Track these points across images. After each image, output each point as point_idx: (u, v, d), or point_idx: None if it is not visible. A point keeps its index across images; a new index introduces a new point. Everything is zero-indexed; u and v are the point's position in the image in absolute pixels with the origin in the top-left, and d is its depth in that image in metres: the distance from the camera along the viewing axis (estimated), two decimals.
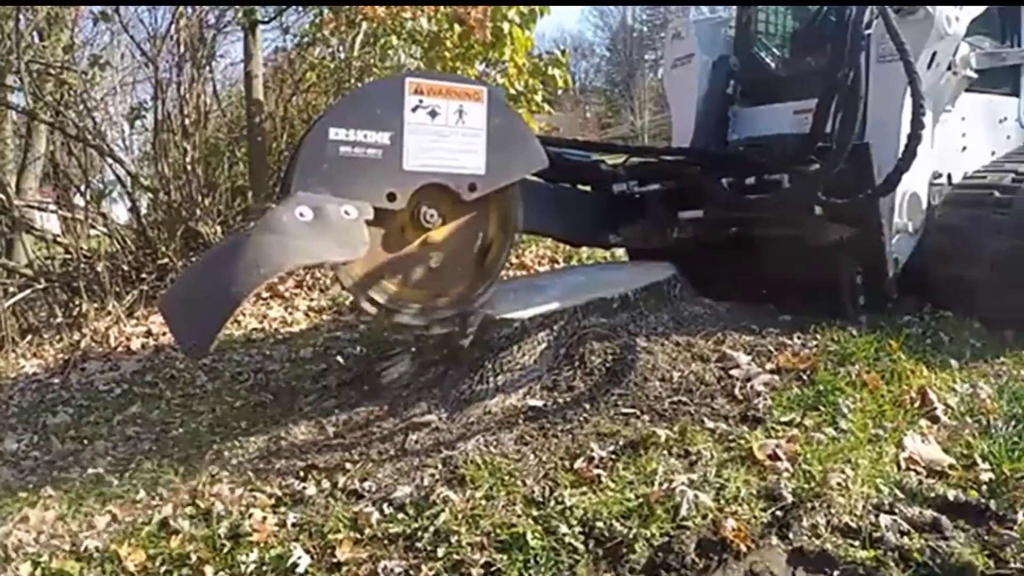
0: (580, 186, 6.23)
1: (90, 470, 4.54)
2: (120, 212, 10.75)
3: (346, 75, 10.94)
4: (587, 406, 4.41)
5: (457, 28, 10.19)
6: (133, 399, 5.84)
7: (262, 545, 3.47)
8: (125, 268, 8.70)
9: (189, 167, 9.44)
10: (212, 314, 3.61)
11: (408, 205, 4.42)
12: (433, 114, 4.37)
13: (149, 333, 7.55)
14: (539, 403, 4.51)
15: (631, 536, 3.21)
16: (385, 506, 3.67)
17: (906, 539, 3.16)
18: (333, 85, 11.23)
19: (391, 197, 4.32)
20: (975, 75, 5.75)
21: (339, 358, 6.07)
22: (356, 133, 4.20)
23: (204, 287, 3.92)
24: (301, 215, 3.91)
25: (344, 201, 4.11)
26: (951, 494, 3.46)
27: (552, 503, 3.49)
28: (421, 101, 4.34)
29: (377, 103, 4.30)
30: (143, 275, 8.70)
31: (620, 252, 7.70)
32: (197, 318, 3.71)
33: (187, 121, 9.77)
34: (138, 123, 10.34)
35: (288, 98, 11.54)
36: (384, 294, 4.48)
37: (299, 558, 3.34)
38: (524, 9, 10.46)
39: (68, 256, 8.86)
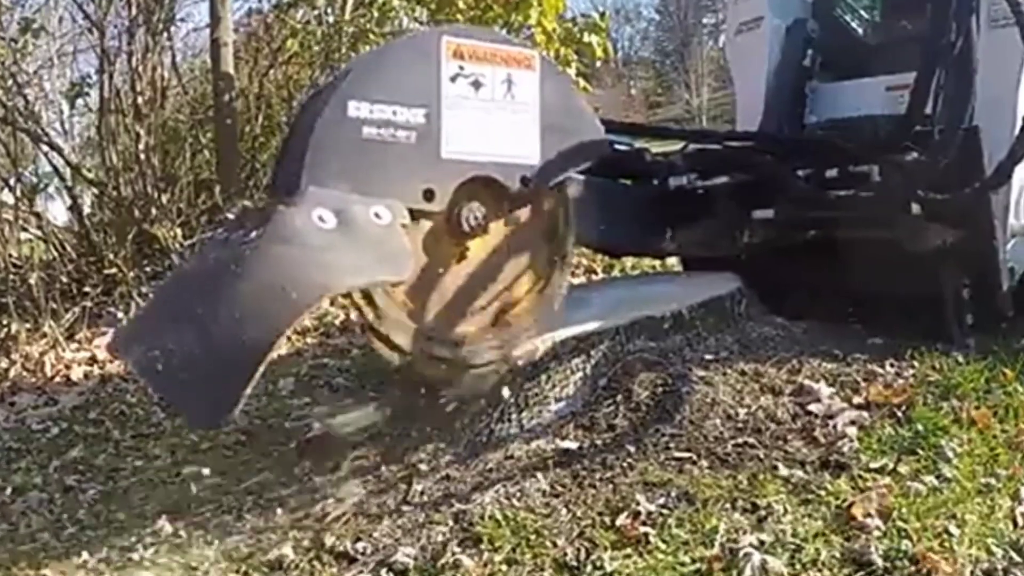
0: (622, 180, 6.01)
1: (22, 528, 4.54)
2: (58, 211, 10.82)
3: (336, 43, 10.91)
4: (632, 449, 4.37)
5: None
6: (74, 441, 5.85)
7: None
8: (64, 280, 8.75)
9: (143, 156, 9.46)
10: (230, 370, 3.11)
11: (448, 205, 4.23)
12: (476, 85, 4.20)
13: (93, 360, 7.57)
14: (573, 445, 4.48)
15: None
16: (384, 572, 3.64)
17: None
18: (320, 55, 11.20)
19: (428, 195, 4.10)
20: None
21: (326, 390, 6.08)
22: (383, 109, 3.90)
23: (200, 328, 3.28)
24: (320, 220, 3.58)
25: (372, 201, 3.81)
26: None
27: (589, 568, 3.47)
28: (462, 68, 4.15)
29: (407, 69, 4.04)
30: (86, 289, 8.73)
31: (671, 260, 7.69)
32: (203, 377, 3.15)
33: (140, 100, 9.78)
34: (80, 102, 10.39)
35: (264, 71, 11.51)
36: (409, 327, 4.26)
37: None
38: None
39: None
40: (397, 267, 3.76)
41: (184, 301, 3.52)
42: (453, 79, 4.11)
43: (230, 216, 8.52)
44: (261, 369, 3.05)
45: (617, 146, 5.67)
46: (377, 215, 3.77)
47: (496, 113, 4.26)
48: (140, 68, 9.81)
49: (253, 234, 3.52)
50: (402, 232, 3.85)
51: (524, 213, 4.60)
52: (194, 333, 3.28)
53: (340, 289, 3.77)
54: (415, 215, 4.04)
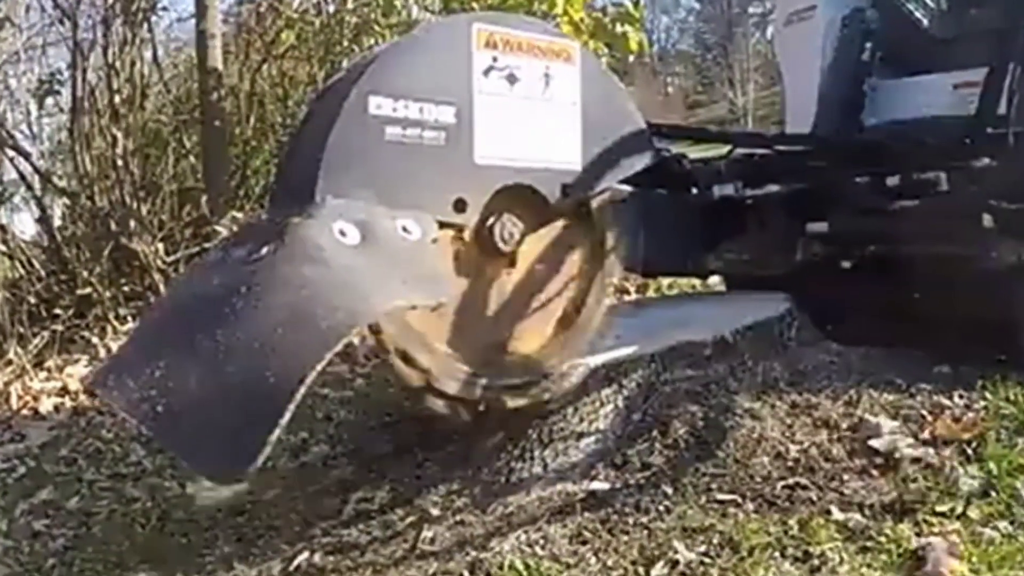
0: (658, 189, 5.90)
1: None
2: (25, 224, 10.84)
3: (337, 35, 10.93)
4: (669, 490, 4.36)
5: None
6: (43, 481, 5.81)
7: None
8: (32, 301, 8.76)
9: (120, 162, 9.45)
10: (252, 416, 2.92)
11: (480, 217, 4.21)
12: (512, 79, 4.17)
13: (64, 391, 7.56)
14: (603, 487, 4.47)
15: None
16: None
17: None
18: (319, 49, 11.22)
19: (459, 205, 4.06)
20: None
21: (326, 424, 6.09)
22: (409, 106, 3.86)
23: (213, 367, 3.11)
24: (342, 235, 3.52)
25: (398, 212, 3.77)
26: None
27: None
28: (495, 60, 4.12)
29: (435, 61, 4.02)
30: (56, 311, 8.74)
31: (713, 281, 7.69)
32: (219, 425, 2.98)
33: (117, 98, 9.77)
34: (49, 101, 10.42)
35: (257, 67, 11.50)
36: (434, 354, 4.15)
37: None
38: None
39: None
40: (434, 289, 3.72)
41: (183, 331, 3.37)
42: (486, 72, 4.09)
43: (220, 229, 8.55)
44: (290, 412, 2.85)
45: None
46: (405, 229, 3.74)
47: (534, 112, 4.24)
48: (117, 63, 9.79)
49: (263, 251, 3.42)
50: (434, 248, 3.85)
51: (565, 225, 4.60)
52: (200, 369, 3.13)
53: (373, 317, 3.66)
54: (444, 228, 4.02)
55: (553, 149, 4.31)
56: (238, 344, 3.09)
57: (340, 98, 3.84)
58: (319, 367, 2.95)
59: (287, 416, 2.84)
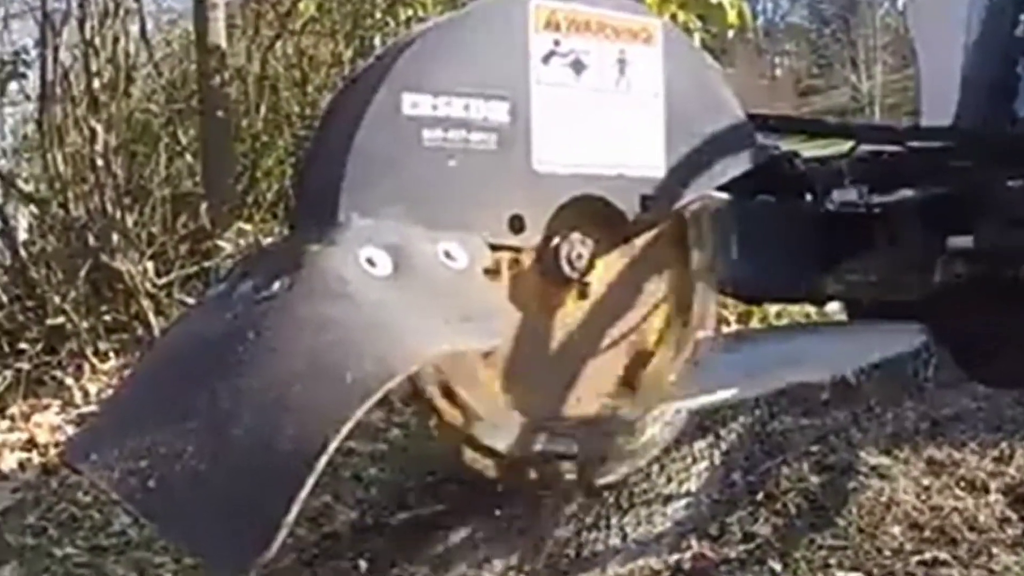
0: (764, 195, 5.85)
1: None
2: None
3: (367, 6, 10.93)
4: (777, 567, 4.33)
5: None
6: (6, 555, 5.82)
7: None
8: None
9: (100, 161, 9.51)
10: (263, 493, 2.72)
11: (542, 237, 4.09)
12: (578, 67, 4.06)
13: (31, 443, 7.61)
14: (696, 563, 4.48)
15: None
16: None
17: None
18: (345, 22, 11.22)
19: (516, 224, 3.91)
20: None
21: (354, 485, 6.10)
22: (451, 103, 3.72)
23: (213, 433, 2.94)
24: (371, 264, 3.36)
25: (440, 235, 3.61)
26: None
27: None
28: (557, 44, 3.99)
29: (483, 47, 3.88)
30: (22, 345, 8.81)
31: (832, 308, 7.69)
32: (222, 506, 2.81)
33: (97, 83, 9.84)
34: (13, 87, 10.51)
35: (269, 44, 11.56)
36: (510, 422, 4.12)
37: None
38: None
39: None
40: (485, 329, 3.58)
41: (178, 387, 3.25)
42: (546, 60, 3.99)
43: (223, 244, 8.59)
44: (310, 485, 2.65)
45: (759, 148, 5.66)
46: (448, 255, 3.60)
47: (606, 107, 4.17)
48: (96, 39, 9.84)
49: (275, 287, 3.31)
50: (484, 278, 3.75)
51: (648, 244, 4.55)
52: (200, 434, 2.96)
53: (409, 367, 3.35)
54: (497, 252, 3.92)
55: (630, 152, 4.25)
56: (245, 402, 2.96)
57: (367, 94, 3.72)
58: (345, 429, 2.79)
59: (306, 490, 2.64)
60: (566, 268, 4.17)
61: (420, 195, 3.67)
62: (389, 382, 3.04)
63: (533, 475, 4.29)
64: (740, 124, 4.67)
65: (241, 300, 3.40)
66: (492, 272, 3.87)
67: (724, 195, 5.16)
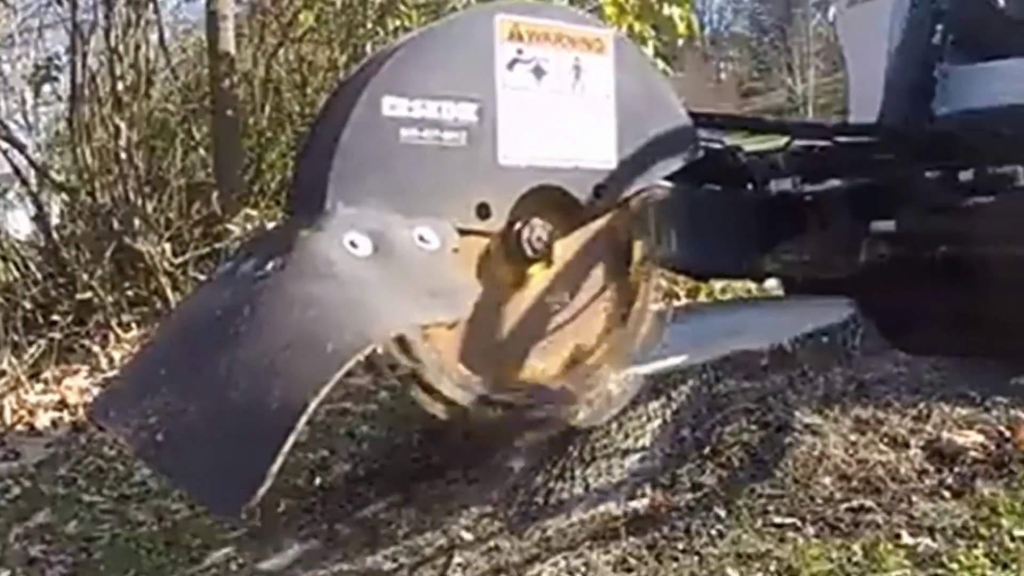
0: (710, 185, 5.90)
1: None
2: (19, 222, 10.88)
3: (360, 16, 10.94)
4: (722, 513, 4.36)
5: None
6: (40, 503, 5.85)
7: None
8: (27, 306, 8.80)
9: (124, 154, 9.50)
10: (252, 445, 2.94)
11: (506, 222, 4.21)
12: (539, 72, 4.16)
13: (63, 404, 7.59)
14: (650, 509, 4.49)
15: None
16: None
17: None
18: (340, 31, 11.23)
19: (483, 211, 4.07)
20: None
21: (348, 441, 6.09)
22: (425, 106, 3.85)
23: (213, 393, 3.19)
24: (353, 246, 3.54)
25: (415, 221, 3.78)
26: None
27: None
28: (520, 52, 4.10)
29: (454, 56, 4.01)
30: (54, 317, 8.79)
31: (770, 284, 7.69)
32: (219, 455, 3.03)
33: (120, 85, 9.83)
34: (46, 88, 10.47)
35: (273, 51, 11.56)
36: (463, 376, 4.20)
37: None
38: None
39: None
40: (454, 304, 3.72)
41: (186, 353, 3.47)
42: (510, 66, 4.08)
43: (232, 228, 8.57)
44: (291, 440, 2.85)
45: (704, 143, 5.66)
46: (422, 238, 3.75)
47: (563, 107, 4.24)
48: (120, 47, 9.84)
49: (269, 267, 3.46)
50: (454, 259, 3.86)
51: (600, 228, 4.61)
52: (202, 395, 3.21)
53: (385, 337, 3.58)
54: (467, 235, 4.02)
55: (585, 147, 4.32)
56: (241, 368, 3.14)
57: (352, 99, 3.87)
58: (323, 392, 2.98)
59: (288, 446, 2.84)
60: (528, 249, 4.25)
61: (398, 186, 3.81)
62: (363, 352, 3.21)
63: (498, 425, 4.38)
64: (683, 124, 4.71)
65: (242, 278, 3.54)
66: (462, 253, 3.95)
67: (672, 184, 5.15)
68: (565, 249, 4.48)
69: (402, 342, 3.90)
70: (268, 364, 3.07)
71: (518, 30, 4.08)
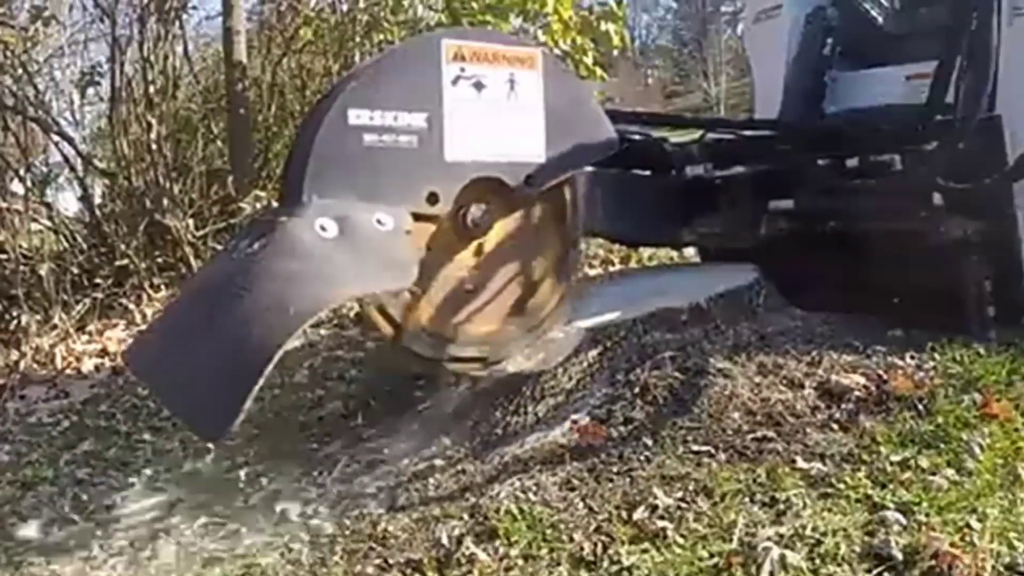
0: (639, 170, 6.06)
1: (32, 522, 4.53)
2: (68, 202, 10.82)
3: (350, 31, 10.92)
4: (649, 442, 4.37)
5: None
6: (84, 434, 5.83)
7: None
8: (74, 271, 8.74)
9: (154, 146, 9.45)
10: (230, 383, 3.22)
11: (453, 207, 4.34)
12: (479, 86, 4.29)
13: (104, 352, 7.57)
14: (591, 438, 4.47)
15: None
16: (398, 567, 3.64)
17: None
18: (334, 44, 11.21)
19: (432, 198, 4.23)
20: None
21: (340, 383, 6.08)
22: (384, 116, 4.05)
23: (204, 342, 3.49)
24: (322, 229, 3.75)
25: (374, 208, 3.97)
26: None
27: (606, 563, 3.46)
28: (463, 70, 4.25)
29: (407, 75, 4.18)
30: (97, 280, 8.74)
31: (689, 252, 7.69)
32: (205, 390, 3.32)
33: (152, 89, 9.78)
34: (91, 91, 10.39)
35: (277, 60, 11.49)
36: (432, 331, 4.42)
37: None
38: None
39: (3, 257, 8.82)
40: (401, 274, 3.89)
41: (195, 313, 3.72)
42: (455, 82, 4.22)
43: (244, 206, 8.56)
44: (260, 381, 3.11)
45: (635, 136, 5.74)
46: (380, 221, 3.95)
47: (499, 114, 4.35)
48: (152, 57, 9.80)
49: (257, 246, 3.67)
50: (406, 238, 4.00)
51: (532, 209, 4.71)
52: (201, 347, 3.46)
53: (338, 300, 4.10)
54: (420, 219, 4.17)
55: (518, 145, 4.43)
56: (231, 324, 3.38)
57: (324, 111, 4.06)
58: (286, 346, 3.23)
59: (258, 384, 3.10)
60: (472, 227, 4.41)
61: (361, 180, 4.00)
62: (318, 313, 3.63)
63: (451, 370, 4.59)
64: (602, 124, 4.78)
65: (239, 254, 3.73)
66: (415, 233, 4.11)
67: (607, 170, 5.35)
68: (505, 226, 4.61)
69: (382, 309, 4.19)
70: (250, 320, 3.32)
71: (461, 52, 4.23)
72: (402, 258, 3.93)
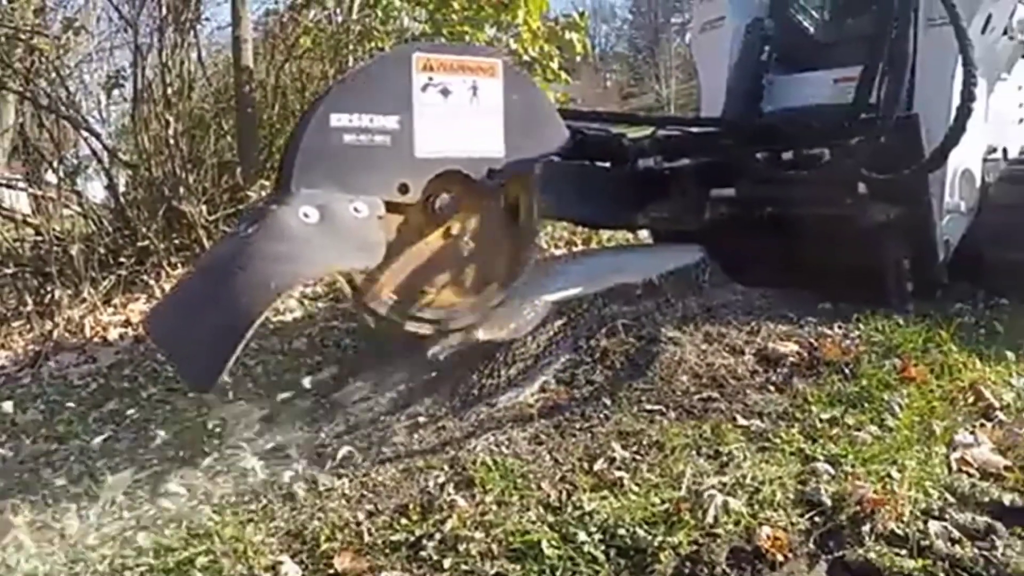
0: (599, 162, 6.05)
1: (63, 473, 4.51)
2: (96, 190, 10.74)
3: (344, 39, 10.90)
4: (608, 402, 4.39)
5: None
6: (110, 395, 5.81)
7: (248, 555, 3.43)
8: (101, 251, 8.67)
9: (172, 141, 9.39)
10: (219, 343, 3.41)
11: (422, 197, 4.36)
12: (445, 93, 4.33)
13: (127, 322, 7.55)
14: (557, 398, 4.51)
15: (656, 544, 3.18)
16: (387, 511, 3.63)
17: (957, 547, 3.11)
18: (330, 51, 11.18)
19: (403, 189, 4.29)
20: None
21: (335, 349, 6.07)
22: (361, 118, 4.13)
23: (204, 310, 3.68)
24: (305, 216, 3.85)
25: (352, 197, 4.06)
26: (1007, 498, 3.43)
27: (570, 508, 3.46)
28: (431, 79, 4.30)
29: (382, 83, 4.24)
30: (121, 259, 8.70)
31: (643, 234, 7.69)
32: (200, 349, 3.52)
33: (169, 90, 9.74)
34: (116, 92, 10.35)
35: (280, 65, 11.45)
36: (387, 300, 4.45)
37: (289, 570, 3.29)
38: None
39: (39, 238, 8.79)
40: (370, 254, 3.99)
41: (200, 287, 3.90)
42: (424, 89, 4.29)
43: (251, 194, 8.55)
44: (242, 345, 3.31)
45: (596, 133, 5.74)
46: (356, 209, 4.04)
47: (463, 116, 4.40)
48: (169, 62, 9.76)
49: (251, 230, 3.78)
50: (377, 223, 4.09)
51: (494, 199, 4.73)
52: (201, 316, 3.62)
53: (312, 276, 4.42)
54: (393, 207, 4.30)
55: (480, 143, 4.49)
56: (226, 297, 3.55)
57: (311, 115, 4.17)
58: (262, 316, 3.42)
59: (239, 347, 3.31)
60: (437, 213, 4.44)
61: (341, 174, 4.07)
62: (295, 286, 4.30)
63: (419, 334, 4.60)
64: (556, 123, 4.79)
65: (237, 237, 3.86)
66: (387, 219, 4.23)
67: (570, 162, 5.40)
68: (469, 212, 4.61)
69: (350, 282, 4.39)
70: (240, 292, 3.49)
71: (430, 63, 4.30)
72: (372, 240, 4.01)
